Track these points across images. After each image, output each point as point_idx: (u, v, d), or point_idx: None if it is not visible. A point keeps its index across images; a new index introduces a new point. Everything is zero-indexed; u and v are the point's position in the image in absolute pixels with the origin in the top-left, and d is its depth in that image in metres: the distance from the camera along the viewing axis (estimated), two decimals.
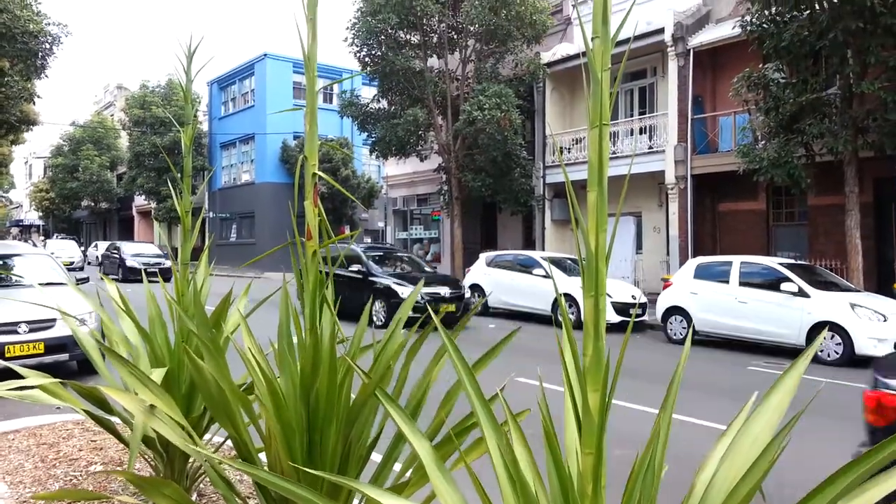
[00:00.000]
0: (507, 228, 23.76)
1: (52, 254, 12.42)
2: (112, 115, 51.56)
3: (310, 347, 2.61)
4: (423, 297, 13.10)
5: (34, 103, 16.44)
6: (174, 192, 4.59)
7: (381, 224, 29.87)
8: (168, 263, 24.88)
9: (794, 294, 10.76)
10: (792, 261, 12.72)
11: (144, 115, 37.54)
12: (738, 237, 17.10)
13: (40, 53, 12.16)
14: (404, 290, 13.60)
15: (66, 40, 12.46)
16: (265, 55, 34.59)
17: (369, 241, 31.88)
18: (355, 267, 14.75)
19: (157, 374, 3.36)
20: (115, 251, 28.86)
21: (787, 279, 10.93)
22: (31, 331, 7.56)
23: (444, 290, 14.28)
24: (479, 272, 16.89)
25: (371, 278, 14.38)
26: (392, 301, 13.57)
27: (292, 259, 3.02)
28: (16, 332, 7.49)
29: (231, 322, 4.15)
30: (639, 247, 19.47)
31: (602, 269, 1.81)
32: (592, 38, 1.78)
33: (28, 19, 11.37)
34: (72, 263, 30.23)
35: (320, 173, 3.09)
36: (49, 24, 12.31)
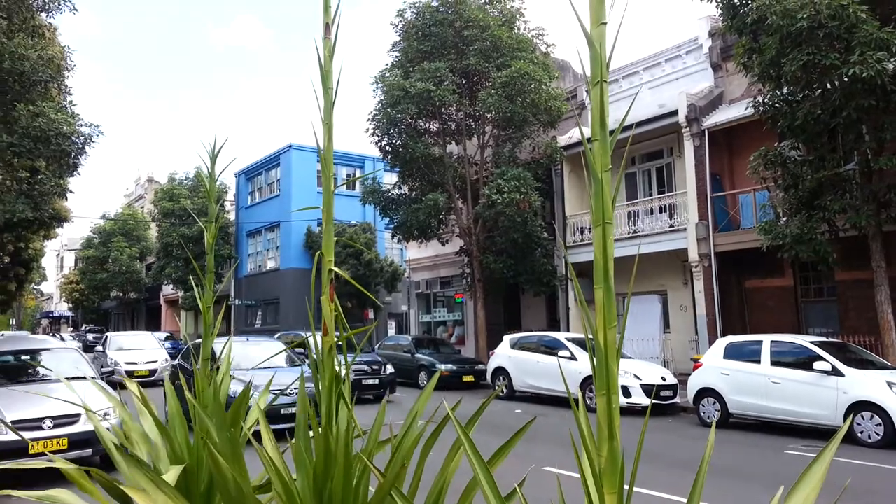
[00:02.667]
0: (531, 309, 23.63)
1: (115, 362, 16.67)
2: (142, 208, 53.14)
3: (322, 447, 2.58)
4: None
5: (66, 199, 17.10)
6: (196, 288, 4.66)
7: (404, 307, 29.90)
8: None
9: (827, 373, 10.46)
10: (823, 338, 12.42)
11: (173, 207, 38.61)
12: (767, 314, 16.80)
13: (73, 153, 12.72)
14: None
15: (98, 139, 13.07)
16: (290, 146, 35.73)
17: (393, 324, 31.86)
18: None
19: (172, 475, 3.33)
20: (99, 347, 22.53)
21: (820, 358, 10.64)
22: (55, 426, 7.57)
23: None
24: (504, 354, 16.72)
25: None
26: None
27: (309, 353, 3.03)
28: (40, 428, 7.50)
29: (251, 417, 4.13)
30: (666, 326, 19.19)
31: (613, 367, 1.80)
32: (591, 140, 1.83)
33: (62, 121, 11.96)
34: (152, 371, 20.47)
35: (337, 269, 3.14)
36: (82, 125, 12.92)
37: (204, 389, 4.11)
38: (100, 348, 21.58)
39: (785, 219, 13.64)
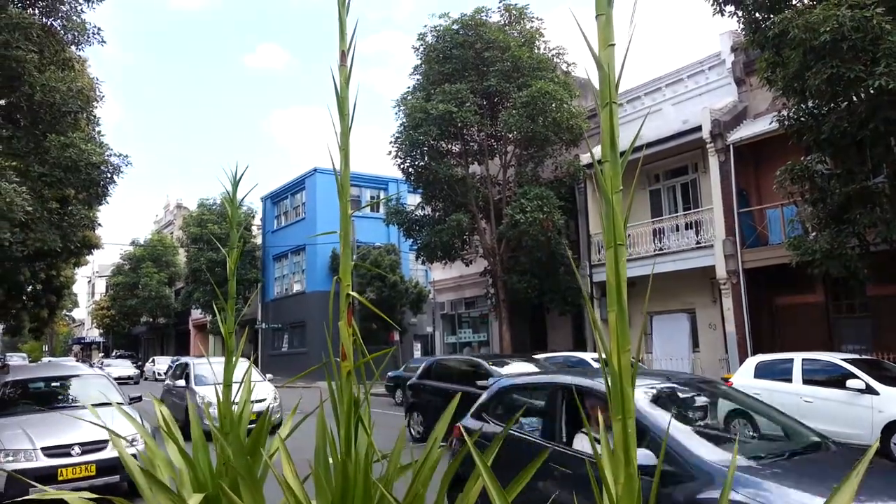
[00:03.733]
0: (557, 329, 23.45)
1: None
2: (171, 234, 53.99)
3: (341, 474, 2.57)
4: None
5: (95, 230, 17.41)
6: (219, 313, 4.70)
7: (429, 329, 29.86)
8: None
9: (861, 391, 10.20)
10: (856, 356, 12.13)
11: (202, 232, 39.21)
12: (798, 331, 16.46)
13: (102, 183, 13.01)
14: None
15: (127, 169, 13.38)
16: (315, 170, 36.13)
17: (419, 346, 31.82)
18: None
19: (194, 502, 3.34)
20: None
21: (853, 375, 10.39)
22: (83, 452, 7.65)
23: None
24: None
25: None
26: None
27: (327, 380, 3.03)
28: (69, 455, 7.58)
29: (272, 445, 4.13)
30: (695, 344, 18.90)
31: (628, 392, 1.77)
32: (601, 163, 1.82)
33: (91, 152, 12.25)
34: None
35: (354, 294, 3.14)
36: (111, 155, 13.25)
37: (226, 416, 4.14)
38: (179, 382, 15.32)
39: (814, 234, 13.39)
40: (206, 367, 14.61)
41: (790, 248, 13.18)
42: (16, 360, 46.82)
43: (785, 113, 12.86)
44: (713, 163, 17.51)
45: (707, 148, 17.62)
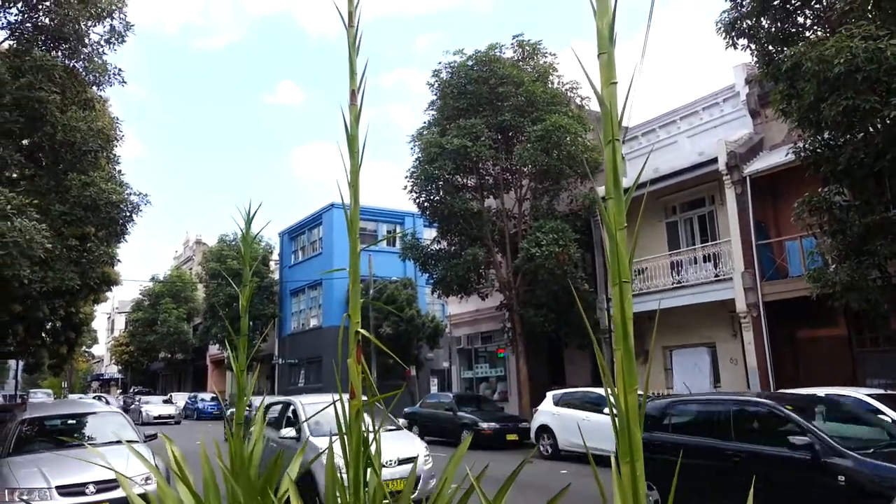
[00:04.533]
0: (575, 363, 23.19)
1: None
2: (191, 269, 54.46)
3: None
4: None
5: (114, 266, 17.63)
6: (231, 351, 4.70)
7: (446, 364, 29.68)
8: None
9: None
10: (881, 390, 11.84)
11: (221, 268, 39.54)
12: (821, 366, 16.13)
13: (121, 221, 13.21)
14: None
15: (146, 208, 13.60)
16: (332, 205, 36.43)
17: (436, 381, 31.60)
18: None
19: None
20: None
21: (879, 412, 10.12)
22: (98, 491, 7.62)
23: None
24: (547, 412, 16.36)
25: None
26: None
27: (336, 419, 2.99)
28: (84, 494, 7.56)
29: (283, 486, 4.08)
30: (717, 379, 18.58)
31: (636, 432, 1.73)
32: (605, 200, 1.80)
33: (111, 191, 12.48)
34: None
35: (363, 331, 3.12)
36: (131, 193, 13.48)
37: (237, 454, 4.10)
38: (287, 433, 10.10)
39: (834, 266, 13.22)
40: (315, 408, 10.37)
41: (810, 281, 13.00)
42: (39, 396, 46.31)
43: (801, 144, 12.81)
44: (730, 195, 17.41)
45: (723, 180, 17.54)
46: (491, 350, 26.70)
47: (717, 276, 17.72)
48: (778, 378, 16.10)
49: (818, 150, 12.36)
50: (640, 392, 1.77)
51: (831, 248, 13.01)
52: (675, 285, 18.53)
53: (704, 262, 18.35)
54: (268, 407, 10.39)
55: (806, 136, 12.67)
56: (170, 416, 35.11)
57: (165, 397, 42.57)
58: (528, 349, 21.68)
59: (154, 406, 36.75)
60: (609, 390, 1.75)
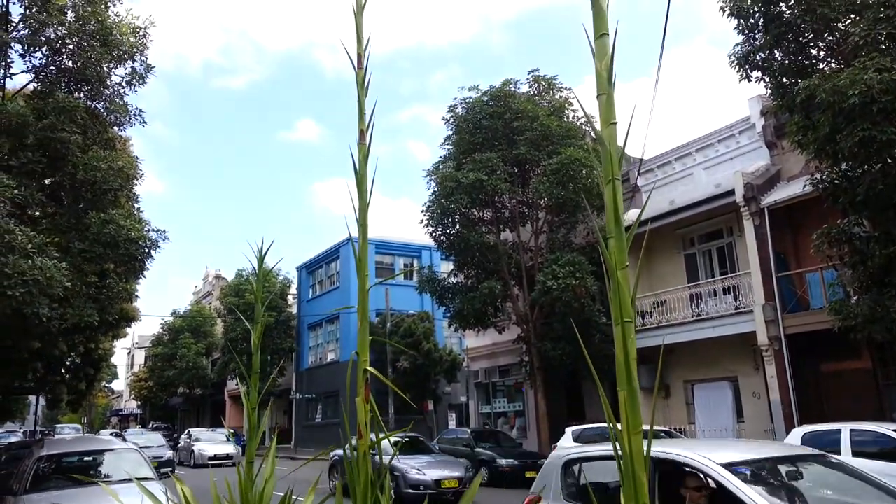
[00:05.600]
0: (594, 398, 22.88)
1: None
2: (210, 304, 54.78)
3: None
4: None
5: (133, 302, 17.81)
6: (242, 388, 4.69)
7: (463, 398, 29.40)
8: None
9: None
10: None
11: (238, 303, 39.74)
12: (846, 400, 15.77)
13: (139, 257, 13.40)
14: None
15: (164, 244, 13.79)
16: (349, 239, 36.32)
17: (453, 416, 31.27)
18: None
19: None
20: None
21: None
22: None
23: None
24: (566, 448, 16.09)
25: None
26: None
27: (344, 460, 2.97)
28: None
29: None
30: (739, 414, 18.21)
31: (641, 477, 1.70)
32: (607, 238, 1.80)
33: (130, 228, 12.68)
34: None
35: (371, 370, 3.11)
36: (149, 230, 13.68)
37: (248, 492, 4.06)
38: None
39: (855, 298, 13.00)
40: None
41: (831, 313, 12.79)
42: (67, 431, 45.63)
43: (818, 175, 12.71)
44: (748, 226, 17.27)
45: (741, 211, 17.42)
46: (509, 384, 26.45)
47: (737, 308, 17.50)
48: (802, 413, 15.77)
49: (836, 182, 12.26)
50: (646, 427, 1.74)
51: (852, 279, 12.82)
52: (694, 318, 18.32)
53: (724, 294, 18.14)
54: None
55: (823, 168, 12.58)
56: (227, 457, 27.92)
57: (223, 430, 33.69)
58: (546, 383, 21.46)
59: (208, 444, 29.42)
60: (613, 432, 1.73)
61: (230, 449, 29.18)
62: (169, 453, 25.10)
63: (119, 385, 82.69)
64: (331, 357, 37.86)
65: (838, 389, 16.15)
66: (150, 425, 53.57)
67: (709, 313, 18.16)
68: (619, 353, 1.75)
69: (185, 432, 36.38)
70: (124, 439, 20.93)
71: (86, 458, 9.95)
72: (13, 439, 29.30)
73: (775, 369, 16.32)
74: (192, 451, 29.40)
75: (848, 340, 13.48)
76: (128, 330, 25.44)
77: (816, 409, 16.15)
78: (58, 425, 52.17)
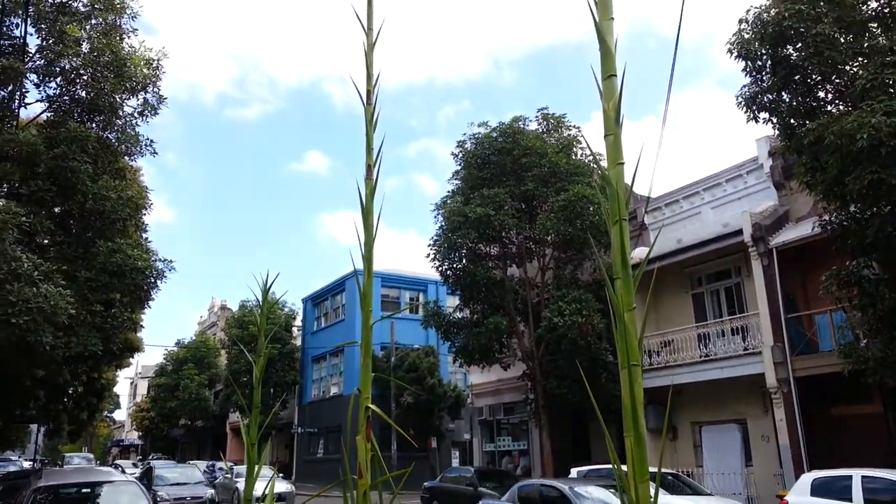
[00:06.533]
0: (600, 437, 22.53)
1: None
2: (215, 335, 54.65)
3: None
4: None
5: (137, 332, 17.81)
6: (242, 423, 4.63)
7: (467, 436, 29.03)
8: None
9: None
10: None
11: (242, 334, 39.63)
12: (857, 445, 15.49)
13: (145, 287, 13.42)
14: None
15: (170, 274, 13.83)
16: (355, 272, 36.50)
17: (457, 453, 30.87)
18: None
19: None
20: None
21: None
22: None
23: None
24: None
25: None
26: None
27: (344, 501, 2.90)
28: None
29: None
30: (748, 458, 17.86)
31: None
32: (613, 279, 1.77)
33: (137, 257, 12.72)
34: None
35: (373, 407, 3.05)
36: (156, 260, 13.72)
37: None
38: None
39: (865, 341, 12.85)
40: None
41: (841, 357, 12.64)
42: (77, 461, 43.48)
43: (827, 217, 12.67)
44: (756, 267, 17.17)
45: (749, 252, 17.34)
46: (514, 422, 26.12)
47: (745, 349, 17.30)
48: (811, 457, 15.47)
49: (845, 224, 12.22)
50: (653, 469, 1.70)
51: (862, 322, 12.69)
52: (702, 358, 18.12)
53: (732, 334, 17.96)
54: None
55: (832, 209, 12.54)
56: (280, 499, 21.82)
57: (274, 467, 26.49)
58: (552, 422, 21.17)
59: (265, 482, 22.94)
60: (618, 474, 1.67)
61: (285, 487, 22.96)
62: (209, 492, 19.03)
63: (121, 415, 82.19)
64: (334, 391, 37.56)
65: (849, 434, 15.86)
66: (151, 456, 52.94)
67: (717, 354, 17.96)
68: (625, 397, 1.71)
69: (231, 468, 26.94)
70: (151, 471, 19.65)
71: (83, 490, 9.83)
72: (12, 468, 28.96)
73: (784, 412, 16.06)
74: (236, 488, 22.69)
75: (858, 384, 13.30)
76: (131, 360, 25.42)
77: (826, 453, 15.84)
78: (66, 454, 51.19)
